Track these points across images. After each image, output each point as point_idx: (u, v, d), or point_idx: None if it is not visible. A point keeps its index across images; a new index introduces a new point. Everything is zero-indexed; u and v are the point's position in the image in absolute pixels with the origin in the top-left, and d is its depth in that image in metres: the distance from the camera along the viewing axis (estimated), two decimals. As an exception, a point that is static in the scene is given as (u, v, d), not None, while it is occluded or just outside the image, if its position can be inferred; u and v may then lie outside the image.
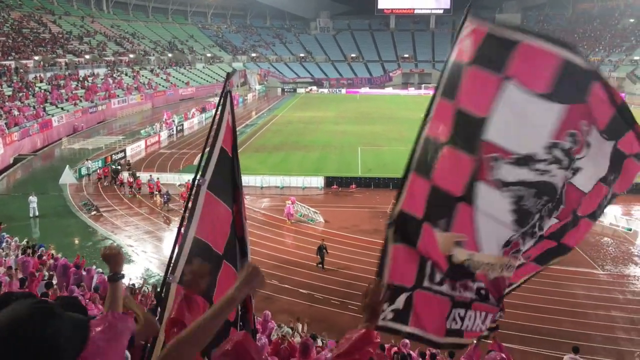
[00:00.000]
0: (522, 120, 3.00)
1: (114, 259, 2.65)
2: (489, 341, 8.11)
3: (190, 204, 2.99)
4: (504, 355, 5.15)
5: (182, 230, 2.94)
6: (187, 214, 2.99)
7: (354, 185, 33.80)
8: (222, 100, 3.34)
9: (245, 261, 3.41)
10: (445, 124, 3.18)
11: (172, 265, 2.91)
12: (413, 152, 3.35)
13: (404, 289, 3.35)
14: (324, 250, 21.72)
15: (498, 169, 3.02)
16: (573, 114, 2.97)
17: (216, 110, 3.26)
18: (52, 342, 1.66)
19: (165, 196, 30.27)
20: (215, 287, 3.04)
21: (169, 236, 25.95)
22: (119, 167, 36.59)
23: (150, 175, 33.63)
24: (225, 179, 3.23)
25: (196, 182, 3.11)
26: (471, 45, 3.14)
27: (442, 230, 3.20)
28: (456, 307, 3.38)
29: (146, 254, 24.19)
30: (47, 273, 14.16)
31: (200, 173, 3.09)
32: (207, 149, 3.15)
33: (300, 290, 19.88)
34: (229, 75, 3.42)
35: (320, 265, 21.63)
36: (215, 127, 3.21)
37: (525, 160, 3.01)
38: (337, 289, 19.75)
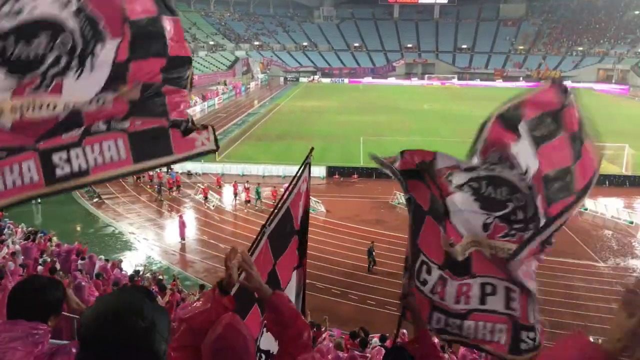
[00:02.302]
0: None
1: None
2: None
3: (253, 245, 3.37)
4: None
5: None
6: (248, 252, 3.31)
7: (355, 175, 33.79)
8: (302, 168, 3.74)
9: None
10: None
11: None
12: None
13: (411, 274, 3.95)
14: (373, 252, 20.97)
15: (452, 181, 3.54)
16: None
17: (295, 175, 3.71)
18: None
19: (157, 186, 30.15)
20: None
21: (170, 224, 26.02)
22: None
23: (172, 168, 32.69)
24: (281, 236, 3.52)
25: (263, 229, 3.48)
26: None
27: (441, 231, 3.64)
28: (435, 311, 3.76)
29: (148, 241, 24.27)
30: (48, 259, 14.20)
31: (268, 221, 3.47)
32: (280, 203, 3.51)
33: (301, 279, 19.91)
34: (312, 150, 3.76)
35: (372, 266, 20.91)
36: (290, 187, 3.55)
37: (470, 168, 3.51)
38: (338, 279, 19.79)
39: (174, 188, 30.66)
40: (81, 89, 2.83)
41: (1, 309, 5.99)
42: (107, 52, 2.83)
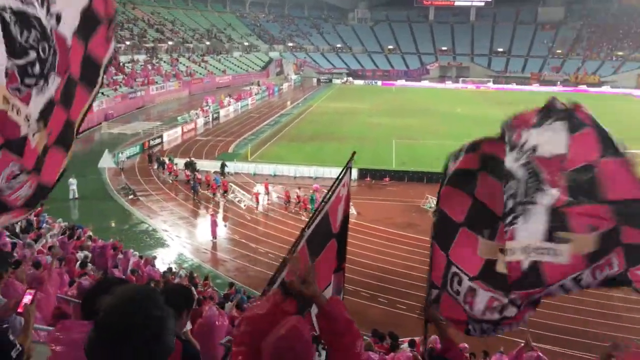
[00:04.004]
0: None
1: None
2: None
3: (293, 247, 3.40)
4: (540, 354, 5.10)
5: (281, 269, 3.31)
6: (287, 257, 3.38)
7: (387, 178, 33.64)
8: (343, 172, 3.80)
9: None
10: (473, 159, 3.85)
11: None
12: (445, 168, 3.97)
13: (435, 286, 4.03)
14: None
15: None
16: None
17: (336, 179, 3.77)
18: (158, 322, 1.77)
19: (192, 185, 30.14)
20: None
21: (203, 222, 26.32)
22: (193, 161, 34.53)
23: (217, 173, 32.86)
24: (318, 239, 3.56)
25: (303, 232, 3.53)
26: None
27: (485, 238, 3.65)
28: (471, 319, 3.78)
29: (180, 239, 24.60)
30: (82, 254, 14.48)
31: (307, 225, 3.53)
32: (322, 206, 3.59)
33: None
34: (353, 154, 3.85)
35: None
36: (330, 191, 3.61)
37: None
38: (368, 282, 19.72)
39: (218, 193, 29.93)
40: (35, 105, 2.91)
41: (47, 303, 6.15)
42: None
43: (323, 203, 3.58)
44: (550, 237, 3.32)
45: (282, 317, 2.45)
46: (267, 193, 30.04)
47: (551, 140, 3.41)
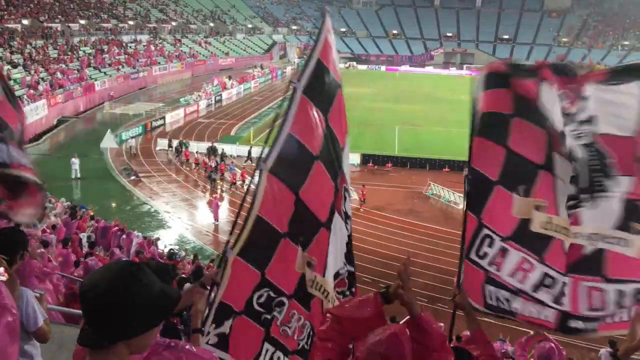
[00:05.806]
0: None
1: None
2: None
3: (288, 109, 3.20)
4: (552, 345, 5.06)
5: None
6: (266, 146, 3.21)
7: (390, 164, 33.58)
8: (323, 20, 3.35)
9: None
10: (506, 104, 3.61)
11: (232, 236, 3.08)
12: (472, 118, 3.82)
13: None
14: None
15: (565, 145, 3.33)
16: None
17: (319, 29, 3.30)
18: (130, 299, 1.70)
19: (212, 173, 29.22)
20: (272, 260, 3.16)
21: (205, 205, 26.34)
22: (215, 147, 33.94)
23: (232, 162, 32.45)
24: (323, 91, 3.29)
25: (291, 84, 3.24)
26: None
27: (521, 195, 3.42)
28: (488, 283, 3.50)
29: (181, 220, 24.64)
30: (86, 234, 14.52)
31: (298, 76, 3.16)
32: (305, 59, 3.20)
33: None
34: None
35: None
36: (314, 43, 3.23)
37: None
38: (370, 267, 19.77)
39: (237, 183, 28.87)
40: None
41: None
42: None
43: (311, 50, 3.20)
44: (623, 226, 3.15)
45: (380, 321, 2.46)
46: None
47: (615, 111, 3.20)
